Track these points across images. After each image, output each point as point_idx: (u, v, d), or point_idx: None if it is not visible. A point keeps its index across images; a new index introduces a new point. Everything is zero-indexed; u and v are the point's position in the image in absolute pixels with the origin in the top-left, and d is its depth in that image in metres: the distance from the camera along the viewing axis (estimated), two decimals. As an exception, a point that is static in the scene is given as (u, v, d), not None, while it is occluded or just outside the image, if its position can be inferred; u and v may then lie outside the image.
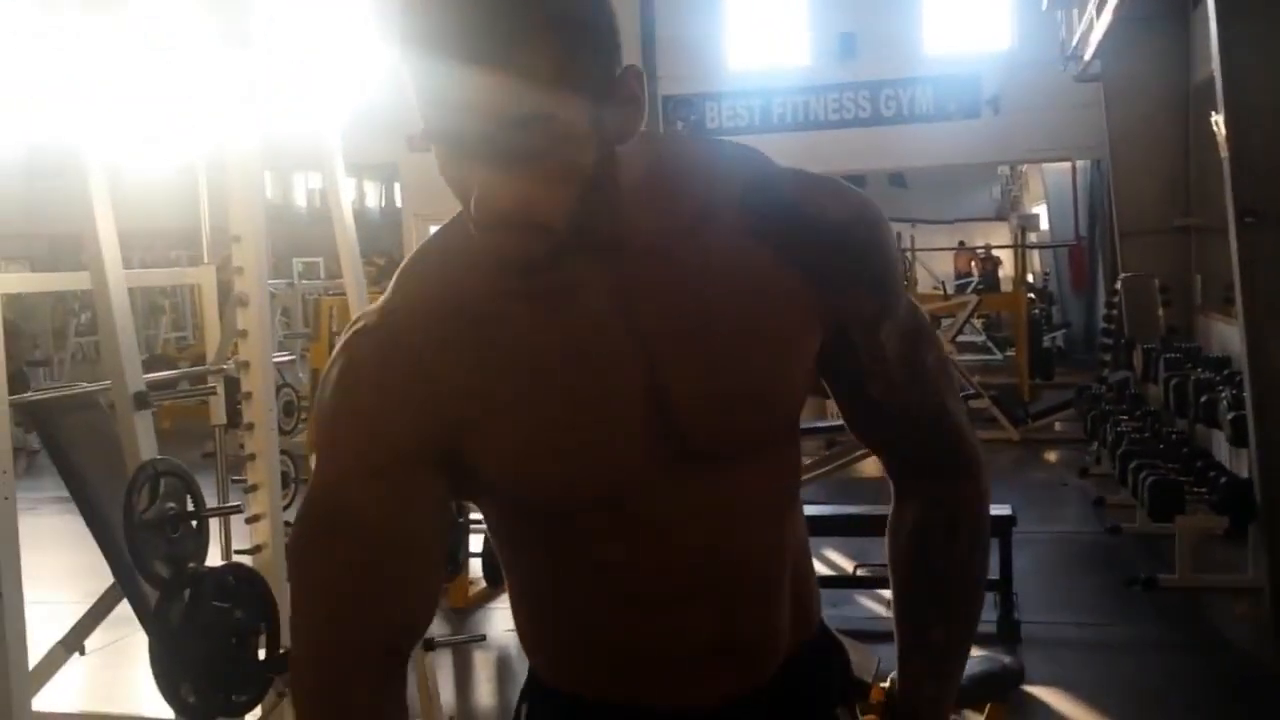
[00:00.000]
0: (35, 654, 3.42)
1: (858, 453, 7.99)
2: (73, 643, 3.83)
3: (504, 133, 0.97)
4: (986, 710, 2.99)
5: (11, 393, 2.93)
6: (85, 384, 3.93)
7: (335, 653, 1.10)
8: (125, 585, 3.44)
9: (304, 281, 9.95)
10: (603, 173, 1.03)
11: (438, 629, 4.74)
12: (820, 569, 5.86)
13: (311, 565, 1.12)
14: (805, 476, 7.60)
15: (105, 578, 3.79)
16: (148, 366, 4.04)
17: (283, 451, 4.05)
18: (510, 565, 1.23)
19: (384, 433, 1.07)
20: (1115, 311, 9.34)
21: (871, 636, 4.51)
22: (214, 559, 2.96)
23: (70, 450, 3.48)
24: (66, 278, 4.54)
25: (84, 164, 2.74)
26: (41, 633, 3.60)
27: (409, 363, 1.08)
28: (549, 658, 1.25)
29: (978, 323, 14.22)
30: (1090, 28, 9.00)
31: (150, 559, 2.58)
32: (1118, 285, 9.26)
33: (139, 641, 3.68)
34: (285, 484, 4.96)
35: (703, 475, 1.12)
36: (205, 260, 4.41)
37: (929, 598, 1.29)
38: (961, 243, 17.49)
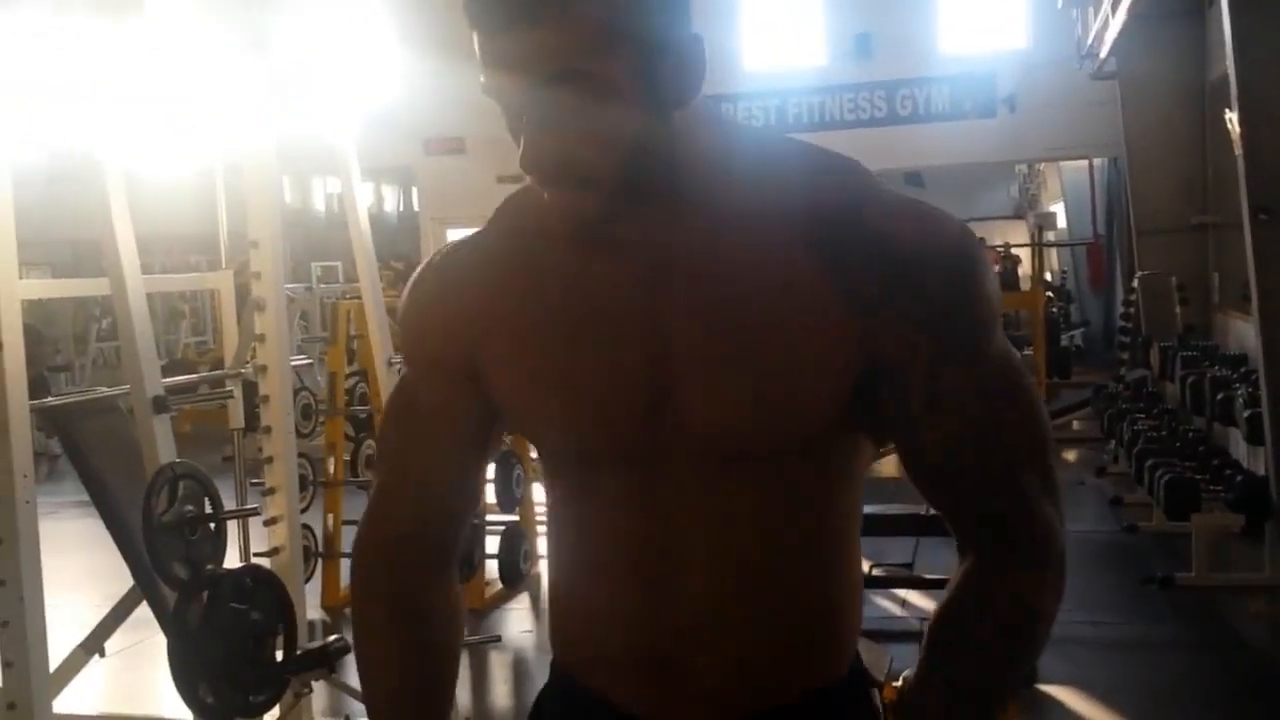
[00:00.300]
0: (56, 656, 3.46)
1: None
2: (93, 645, 3.86)
3: (540, 90, 1.01)
4: (999, 709, 3.00)
5: (33, 398, 2.97)
6: (105, 389, 3.97)
7: (377, 519, 1.28)
8: (145, 587, 3.48)
9: (322, 285, 10.00)
10: (653, 136, 1.04)
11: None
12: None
13: (378, 445, 1.35)
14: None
15: (125, 581, 3.83)
16: (168, 371, 4.08)
17: (300, 454, 4.10)
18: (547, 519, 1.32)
19: (425, 343, 1.23)
20: (1132, 310, 9.31)
21: (885, 636, 4.53)
22: (232, 561, 2.99)
23: (90, 454, 3.52)
24: (87, 284, 4.58)
25: (102, 170, 2.78)
26: (62, 635, 3.64)
27: (450, 285, 1.21)
28: (553, 623, 1.28)
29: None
30: (1105, 25, 8.98)
31: (169, 561, 2.61)
32: (1135, 283, 9.24)
33: (158, 644, 3.72)
34: (303, 486, 5.01)
35: (700, 470, 1.11)
36: (224, 265, 4.45)
37: (941, 667, 1.14)
38: (981, 240, 17.45)
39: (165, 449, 2.76)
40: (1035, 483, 1.12)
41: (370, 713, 1.28)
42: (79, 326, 13.77)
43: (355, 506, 5.98)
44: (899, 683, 3.51)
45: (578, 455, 1.18)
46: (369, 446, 6.06)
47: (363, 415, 6.05)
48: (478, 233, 1.22)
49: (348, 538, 5.78)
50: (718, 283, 1.09)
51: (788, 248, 1.07)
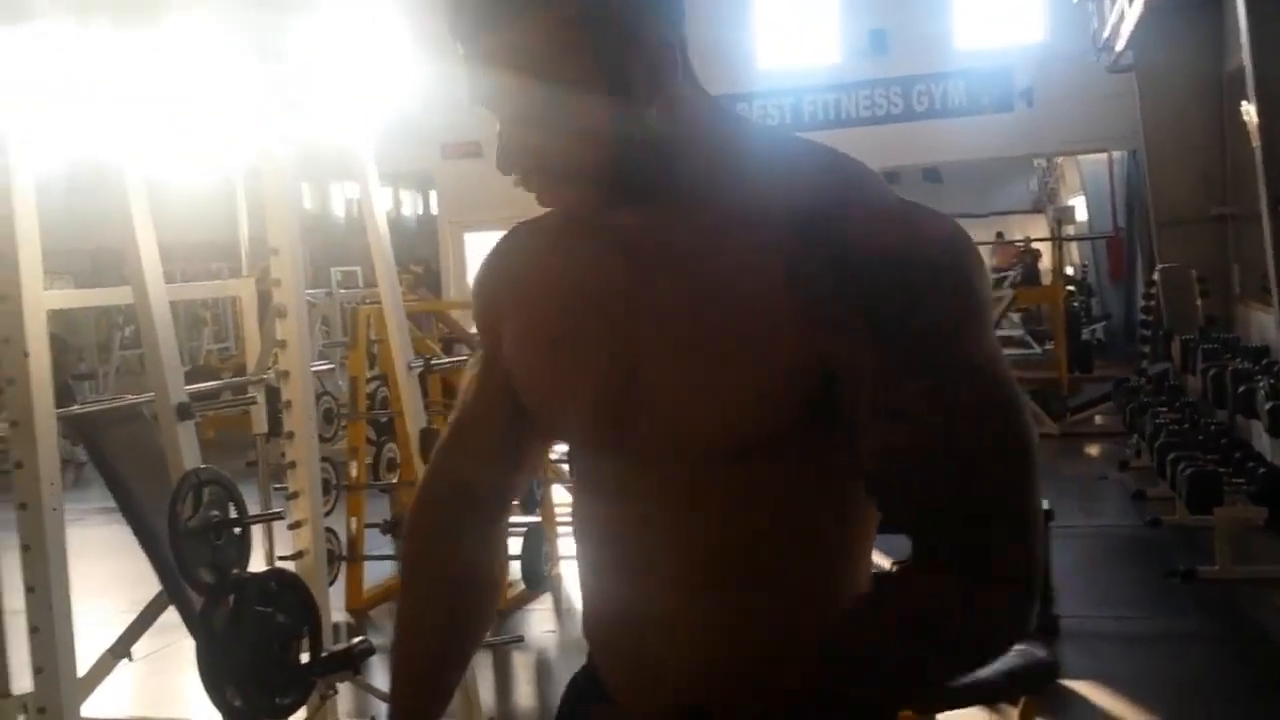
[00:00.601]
0: (84, 661, 3.50)
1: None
2: (120, 650, 3.90)
3: (514, 91, 1.05)
4: (1021, 704, 3.00)
5: (58, 406, 3.00)
6: (130, 396, 4.01)
7: (431, 468, 1.41)
8: (171, 592, 3.51)
9: (342, 290, 10.03)
10: (633, 130, 1.06)
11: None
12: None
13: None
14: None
15: (150, 586, 3.87)
16: (190, 378, 4.12)
17: (323, 459, 4.12)
18: None
19: (477, 316, 1.33)
20: (1153, 303, 9.27)
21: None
22: (257, 565, 3.02)
23: (116, 461, 3.56)
24: (110, 293, 4.62)
25: (124, 179, 2.81)
26: (90, 640, 3.68)
27: (493, 264, 1.31)
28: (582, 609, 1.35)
29: (1016, 316, 14.14)
30: (1122, 18, 8.95)
31: (195, 566, 2.64)
32: (1155, 276, 9.20)
33: (184, 648, 3.75)
34: (326, 490, 5.04)
35: (671, 465, 1.13)
36: (245, 272, 4.48)
37: (863, 635, 1.10)
38: (999, 234, 17.40)
39: (190, 455, 2.79)
40: (1004, 517, 1.04)
41: (395, 640, 1.40)
42: (102, 335, 13.87)
43: (377, 510, 6.02)
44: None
45: (573, 446, 1.27)
46: (390, 450, 6.09)
47: (384, 419, 6.08)
48: (543, 215, 1.27)
49: (371, 541, 5.82)
50: (690, 280, 1.10)
51: (763, 248, 1.07)
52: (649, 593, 1.18)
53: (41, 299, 2.85)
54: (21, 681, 3.26)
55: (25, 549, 2.83)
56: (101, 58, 2.95)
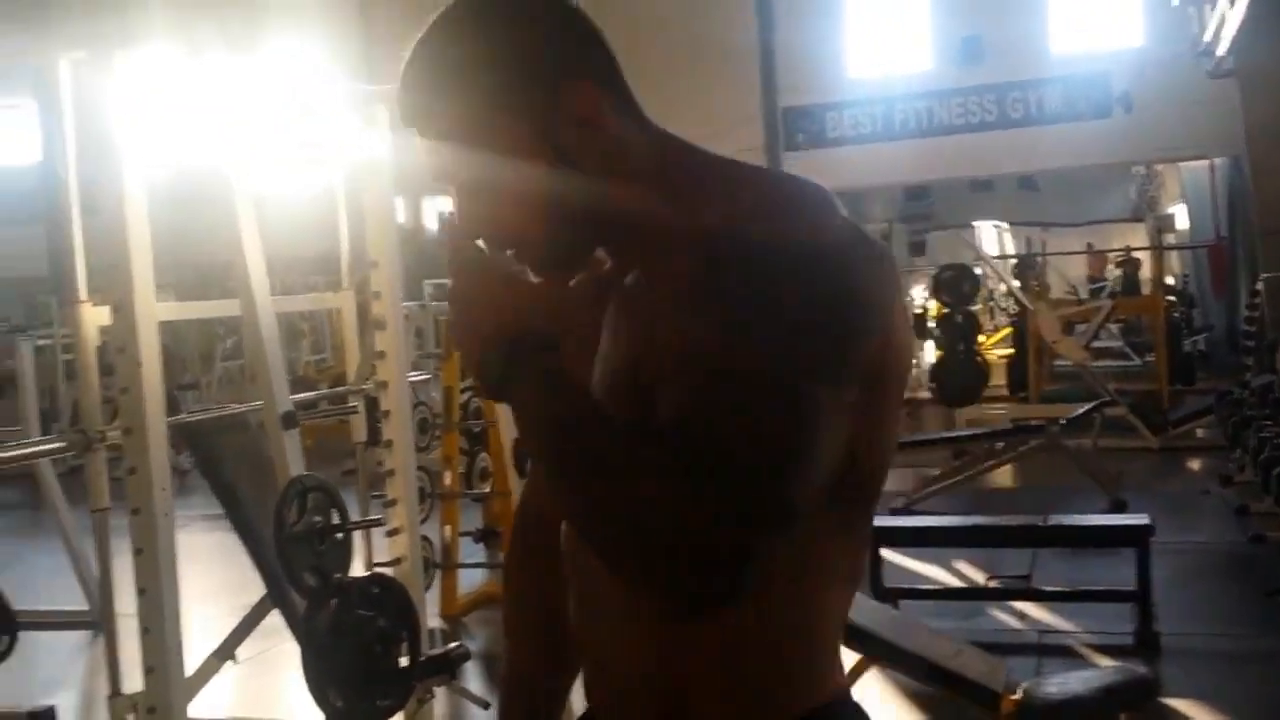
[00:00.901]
0: (190, 663, 3.60)
1: (987, 463, 7.91)
2: (226, 652, 4.01)
3: (451, 169, 1.14)
4: (1120, 720, 2.96)
5: (166, 415, 3.10)
6: (235, 405, 4.12)
7: (518, 510, 1.50)
8: (275, 596, 3.60)
9: (434, 303, 10.19)
10: (568, 191, 1.12)
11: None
12: (949, 580, 5.82)
13: None
14: (932, 487, 7.54)
15: (249, 592, 3.96)
16: (290, 388, 4.22)
17: (419, 467, 4.20)
18: None
19: None
20: (1257, 313, 9.04)
21: (1002, 649, 4.48)
22: (357, 571, 3.08)
23: (223, 468, 3.66)
24: (219, 305, 4.76)
25: (232, 195, 2.90)
26: (193, 643, 3.79)
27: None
28: None
29: (1115, 327, 13.88)
30: (1223, 21, 8.75)
31: (300, 570, 2.72)
32: (1259, 286, 8.97)
33: (284, 651, 3.84)
34: (421, 499, 5.12)
35: None
36: (344, 285, 4.58)
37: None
38: (1090, 245, 17.09)
39: (295, 462, 2.87)
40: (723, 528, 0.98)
41: (503, 669, 1.44)
42: (205, 346, 14.22)
43: (471, 518, 6.10)
44: (1017, 695, 3.49)
45: None
46: (483, 460, 6.17)
47: (476, 429, 6.16)
48: None
49: (464, 549, 5.91)
50: (639, 326, 1.17)
51: (681, 278, 1.11)
52: (604, 623, 1.21)
53: (154, 310, 2.95)
54: (130, 681, 3.37)
55: (138, 553, 2.93)
56: (210, 77, 3.06)
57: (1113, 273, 15.84)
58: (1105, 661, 4.57)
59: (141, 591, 2.96)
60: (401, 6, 6.12)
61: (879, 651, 3.52)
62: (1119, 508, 6.98)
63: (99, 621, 6.03)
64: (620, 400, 1.14)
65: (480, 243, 1.16)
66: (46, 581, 6.34)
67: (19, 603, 4.96)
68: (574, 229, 1.15)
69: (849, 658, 3.66)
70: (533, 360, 1.07)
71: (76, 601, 6.20)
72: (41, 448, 3.41)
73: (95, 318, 3.09)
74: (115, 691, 3.39)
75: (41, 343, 8.24)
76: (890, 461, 1.17)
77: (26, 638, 5.00)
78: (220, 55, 3.13)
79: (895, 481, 8.50)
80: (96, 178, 2.83)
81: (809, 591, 1.15)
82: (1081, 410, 8.11)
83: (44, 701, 4.69)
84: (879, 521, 5.66)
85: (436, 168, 1.15)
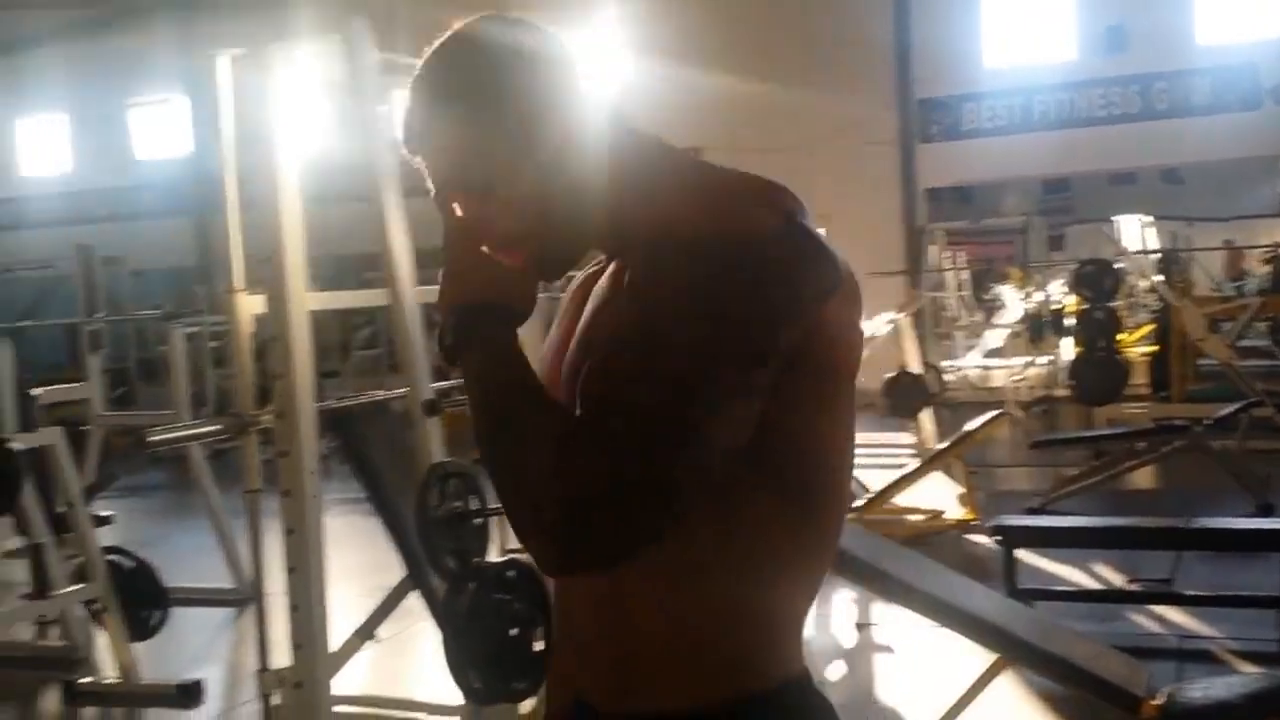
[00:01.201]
0: (332, 642, 3.71)
1: (1127, 464, 7.69)
2: (367, 631, 4.13)
3: (452, 185, 1.24)
4: (1268, 729, 2.87)
5: (314, 401, 3.21)
6: (377, 392, 4.23)
7: None
8: (415, 578, 3.70)
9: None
10: (558, 199, 1.22)
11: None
12: (1087, 583, 5.69)
13: None
14: (1069, 487, 7.37)
15: (383, 573, 4.06)
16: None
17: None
18: None
19: None
20: None
21: (1143, 653, 4.36)
22: (492, 557, 3.15)
23: (368, 453, 3.77)
24: (368, 295, 4.88)
25: (381, 192, 2.98)
26: (334, 622, 3.91)
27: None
28: None
29: (1262, 326, 13.37)
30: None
31: (441, 553, 2.79)
32: None
33: (419, 631, 3.93)
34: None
35: None
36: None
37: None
38: (1227, 242, 16.49)
39: (436, 448, 2.95)
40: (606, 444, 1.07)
41: None
42: (343, 335, 14.62)
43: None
44: (1159, 699, 3.41)
45: None
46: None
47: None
48: None
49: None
50: (593, 313, 1.27)
51: (625, 276, 1.22)
52: (564, 590, 1.30)
53: (306, 300, 3.06)
54: (276, 657, 3.50)
55: (289, 533, 3.05)
56: (360, 73, 3.15)
57: (1259, 269, 15.26)
58: (1249, 668, 4.42)
59: (291, 570, 3.08)
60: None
61: (1016, 652, 3.47)
62: (1266, 511, 6.74)
63: (243, 599, 6.28)
64: (569, 384, 1.22)
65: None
66: (192, 560, 6.59)
67: (167, 580, 5.21)
68: (565, 234, 1.25)
69: (985, 657, 3.62)
70: (484, 329, 1.18)
71: (221, 579, 6.45)
72: (199, 430, 3.55)
73: (250, 306, 3.22)
74: (264, 666, 3.53)
75: (190, 329, 8.57)
76: (839, 452, 1.20)
77: (174, 613, 5.24)
78: (372, 51, 3.22)
79: (1031, 481, 8.33)
80: (254, 172, 2.95)
81: (750, 574, 1.18)
82: (1228, 410, 7.82)
83: (192, 675, 4.91)
84: (1012, 521, 5.56)
85: (438, 183, 1.26)
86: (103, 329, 8.40)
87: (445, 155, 1.24)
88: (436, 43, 1.27)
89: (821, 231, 1.17)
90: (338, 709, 3.55)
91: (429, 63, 1.26)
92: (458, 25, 1.26)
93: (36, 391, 5.57)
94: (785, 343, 1.10)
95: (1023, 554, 5.36)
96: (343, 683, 3.99)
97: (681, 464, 1.06)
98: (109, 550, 5.14)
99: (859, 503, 6.41)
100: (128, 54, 17.16)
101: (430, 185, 1.28)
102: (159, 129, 17.95)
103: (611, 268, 1.29)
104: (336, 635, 3.88)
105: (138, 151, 18.27)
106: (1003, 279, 15.06)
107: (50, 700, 5.12)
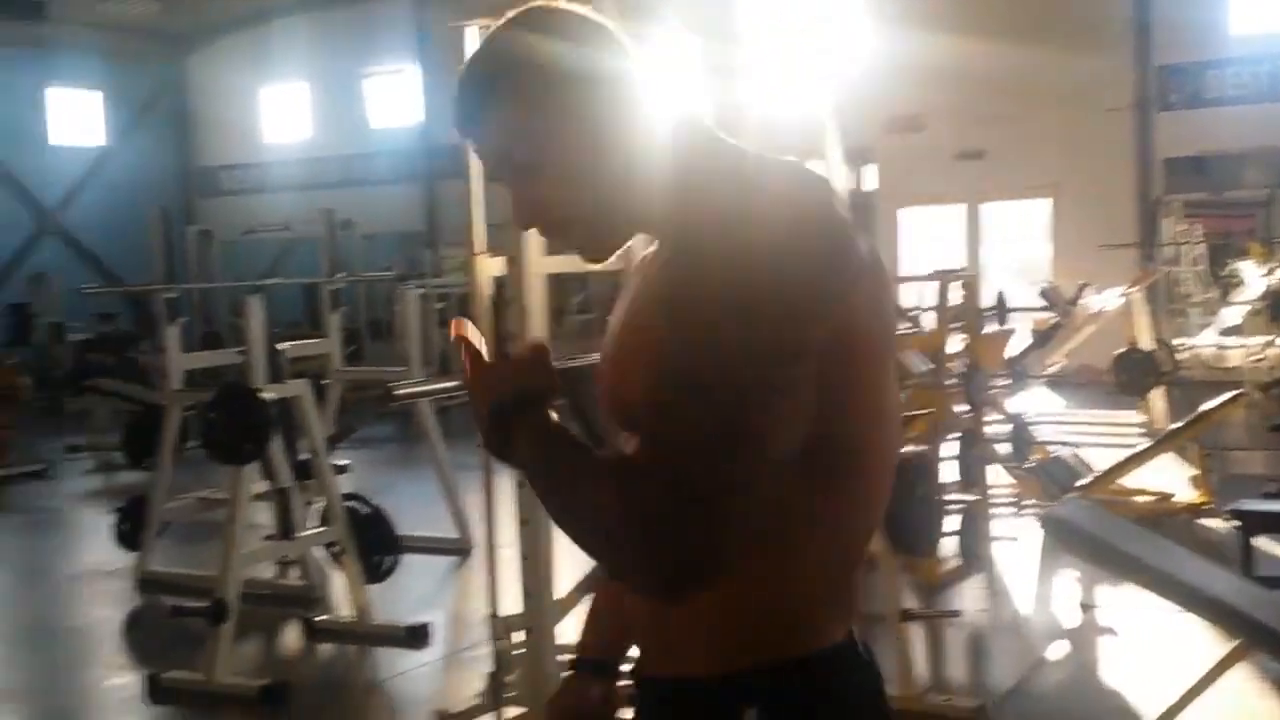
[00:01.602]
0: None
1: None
2: (586, 586, 4.25)
3: (503, 169, 1.29)
4: None
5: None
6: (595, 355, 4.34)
7: None
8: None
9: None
10: (606, 183, 1.26)
11: (911, 602, 4.82)
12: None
13: None
14: None
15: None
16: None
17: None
18: None
19: None
20: None
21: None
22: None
23: (591, 412, 3.88)
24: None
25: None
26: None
27: None
28: None
29: None
30: None
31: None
32: None
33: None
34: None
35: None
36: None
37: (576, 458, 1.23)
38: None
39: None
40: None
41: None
42: (559, 300, 15.00)
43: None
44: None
45: None
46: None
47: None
48: None
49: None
50: (631, 300, 1.33)
51: (659, 271, 1.27)
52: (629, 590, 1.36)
53: (542, 264, 3.18)
54: (502, 605, 3.64)
55: (520, 485, 3.17)
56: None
57: None
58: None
59: (524, 523, 3.21)
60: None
61: (1259, 637, 3.30)
62: None
63: (464, 548, 6.55)
64: (605, 364, 1.31)
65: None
66: (417, 510, 6.89)
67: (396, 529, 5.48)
68: (613, 216, 1.29)
69: (1217, 643, 3.48)
70: (519, 418, 1.23)
71: (442, 529, 6.73)
72: (436, 385, 3.71)
73: (490, 268, 3.36)
74: (494, 613, 3.68)
75: (418, 291, 8.95)
76: (885, 426, 1.24)
77: (402, 560, 5.51)
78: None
79: (1268, 466, 7.90)
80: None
81: (773, 552, 1.21)
82: None
83: (418, 618, 5.17)
84: (1252, 505, 5.30)
85: (490, 168, 1.31)
86: (342, 288, 8.83)
87: (498, 136, 1.28)
88: (488, 35, 1.31)
89: (846, 217, 1.20)
90: (560, 658, 3.68)
91: (482, 48, 1.31)
92: (514, 11, 1.30)
93: (283, 346, 5.88)
94: (815, 339, 1.14)
95: (1260, 541, 5.12)
96: (565, 632, 4.14)
97: (740, 469, 1.11)
98: (347, 497, 5.45)
99: (1083, 482, 6.21)
100: (364, 25, 17.91)
101: (482, 165, 1.33)
102: (392, 98, 18.68)
103: (653, 249, 1.35)
104: (560, 585, 4.02)
105: (372, 120, 19.05)
106: (1242, 254, 14.25)
107: (290, 635, 5.47)
